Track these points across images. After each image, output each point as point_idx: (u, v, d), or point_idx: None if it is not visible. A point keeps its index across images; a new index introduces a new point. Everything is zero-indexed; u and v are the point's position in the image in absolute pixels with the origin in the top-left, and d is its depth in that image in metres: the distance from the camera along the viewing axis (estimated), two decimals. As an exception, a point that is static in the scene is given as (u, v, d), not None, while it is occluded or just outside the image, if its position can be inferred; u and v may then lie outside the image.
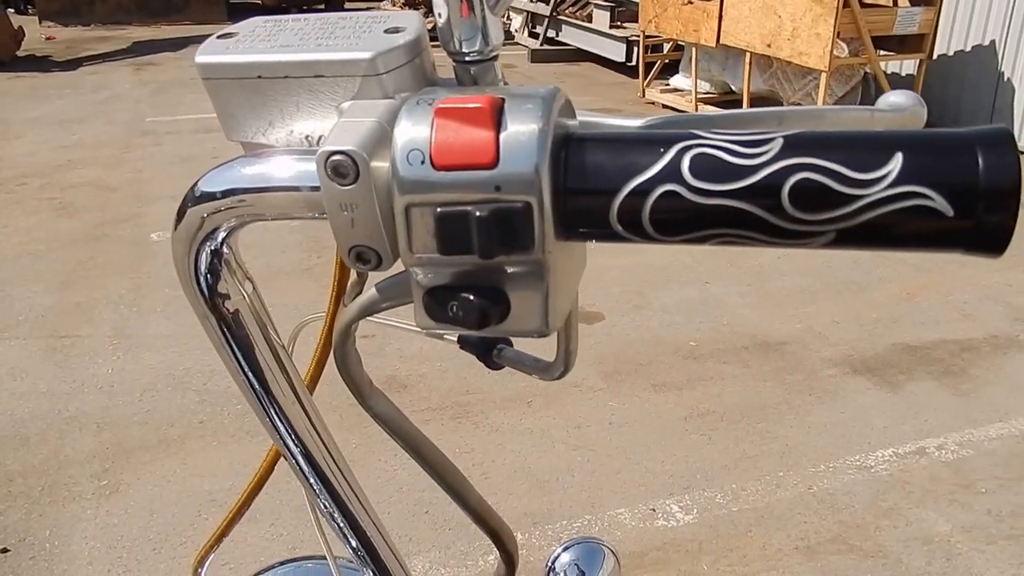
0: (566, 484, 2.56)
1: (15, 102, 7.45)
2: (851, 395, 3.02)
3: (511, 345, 0.56)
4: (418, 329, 0.57)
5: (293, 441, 0.55)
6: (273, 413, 0.53)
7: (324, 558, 1.00)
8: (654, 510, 2.45)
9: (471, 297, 0.35)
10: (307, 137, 0.44)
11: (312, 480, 0.55)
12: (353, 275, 0.57)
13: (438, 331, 0.41)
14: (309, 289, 3.80)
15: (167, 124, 6.67)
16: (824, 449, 2.72)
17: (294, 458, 0.55)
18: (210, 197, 0.41)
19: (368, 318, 0.49)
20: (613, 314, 3.57)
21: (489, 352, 0.52)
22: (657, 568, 2.24)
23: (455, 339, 0.55)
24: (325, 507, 0.58)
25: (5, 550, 2.33)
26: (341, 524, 0.58)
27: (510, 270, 0.34)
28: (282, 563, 1.03)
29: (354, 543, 0.59)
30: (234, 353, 0.50)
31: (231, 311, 0.48)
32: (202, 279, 0.46)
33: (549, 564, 0.89)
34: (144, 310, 3.65)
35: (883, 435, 2.80)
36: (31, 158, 5.78)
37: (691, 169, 0.31)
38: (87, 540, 2.37)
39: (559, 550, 0.89)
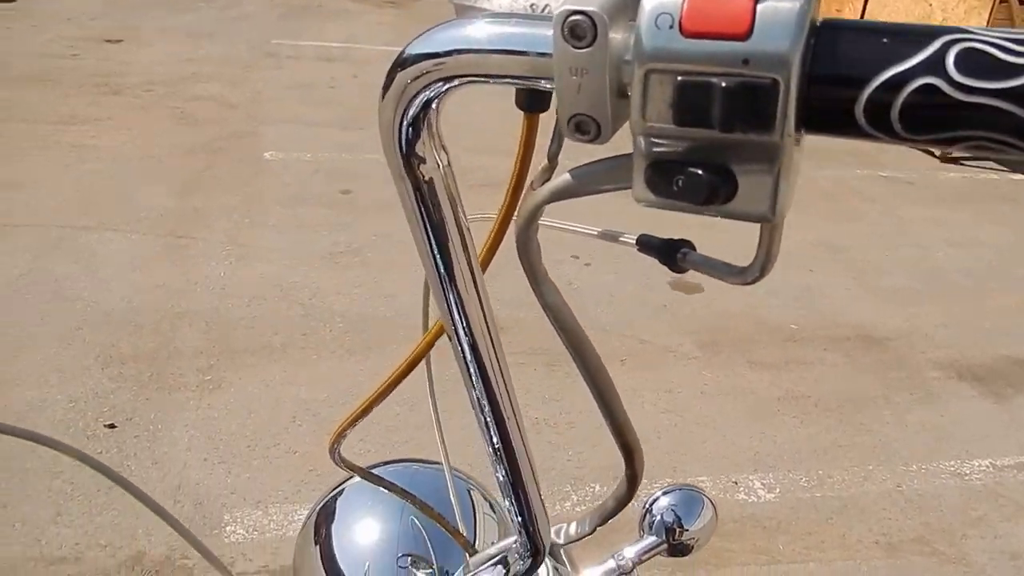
0: (651, 445, 2.56)
1: (150, 11, 7.72)
2: (953, 400, 2.91)
3: (694, 249, 0.54)
4: (592, 232, 0.57)
5: (462, 323, 0.54)
6: (448, 289, 0.52)
7: (431, 462, 1.00)
8: (736, 483, 2.43)
9: (699, 171, 0.34)
10: (531, 5, 0.44)
11: (472, 367, 0.54)
12: (543, 162, 0.56)
13: (656, 206, 0.40)
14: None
15: (290, 48, 6.82)
16: (919, 450, 2.64)
17: (459, 341, 0.54)
18: (428, 56, 0.40)
19: (543, 222, 0.48)
20: (713, 288, 3.51)
21: (673, 255, 0.50)
22: (732, 539, 2.23)
23: (633, 241, 0.53)
24: (478, 397, 0.57)
25: (112, 425, 2.48)
26: (488, 419, 0.57)
27: (742, 150, 0.33)
28: (387, 463, 1.02)
29: (496, 441, 0.58)
30: (423, 221, 0.50)
31: (426, 178, 0.48)
32: (403, 139, 0.46)
33: (647, 506, 0.89)
34: (256, 222, 3.78)
35: (982, 444, 2.69)
36: (159, 67, 6.00)
37: (956, 63, 0.29)
38: (187, 428, 2.50)
39: (659, 493, 0.89)
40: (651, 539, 0.85)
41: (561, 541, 0.69)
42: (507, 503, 0.58)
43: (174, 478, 2.31)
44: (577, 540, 0.65)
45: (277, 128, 5.00)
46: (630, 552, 0.85)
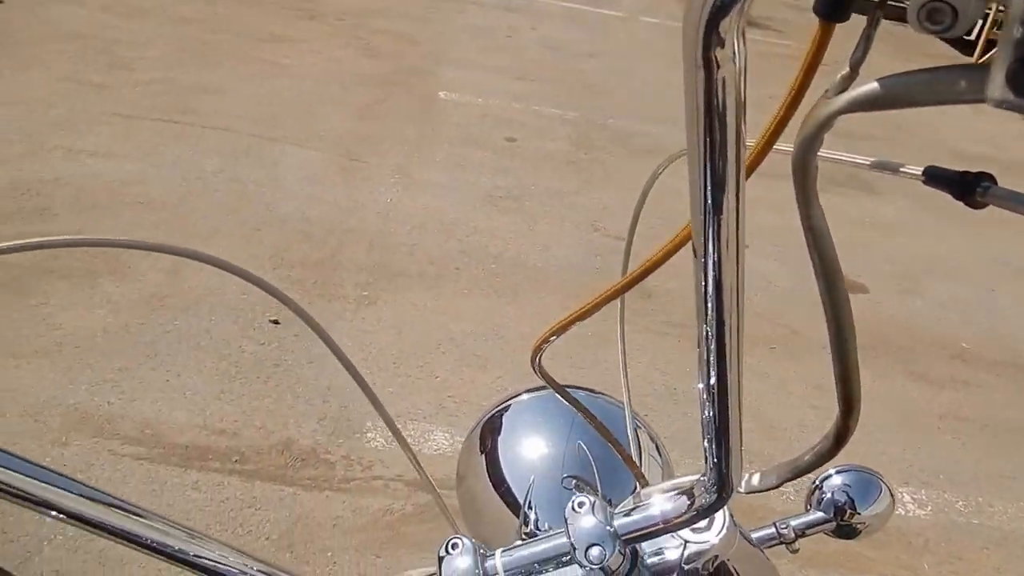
0: (793, 436, 2.46)
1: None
2: None
3: (996, 182, 0.47)
4: (867, 162, 0.52)
5: (713, 239, 0.50)
6: (707, 184, 0.49)
7: (609, 397, 0.99)
8: (881, 493, 2.30)
9: None
10: None
11: (710, 288, 0.50)
12: (844, 69, 0.51)
13: (1013, 105, 0.35)
14: (576, 178, 3.83)
15: (473, -6, 6.92)
16: (1094, 499, 2.41)
17: (705, 255, 0.51)
18: None
19: (824, 153, 0.44)
20: (880, 291, 3.32)
21: (972, 189, 0.44)
22: (874, 547, 2.12)
23: (919, 172, 0.48)
24: (706, 326, 0.53)
25: (276, 322, 2.63)
26: (711, 348, 0.53)
27: None
28: (571, 387, 1.01)
29: (712, 376, 0.54)
30: (707, 114, 0.47)
31: (721, 69, 0.44)
32: (707, 25, 0.42)
33: (817, 482, 0.84)
34: (424, 157, 3.88)
35: None
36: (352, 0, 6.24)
37: None
38: (341, 336, 2.62)
39: (832, 471, 0.84)
40: (818, 515, 0.81)
41: (743, 490, 0.66)
42: (706, 440, 0.55)
43: (325, 379, 2.43)
44: (760, 491, 0.61)
45: (453, 70, 5.09)
46: (795, 522, 0.81)
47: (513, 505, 0.81)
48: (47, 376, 2.26)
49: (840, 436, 0.61)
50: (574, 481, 0.85)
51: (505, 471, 0.88)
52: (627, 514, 0.53)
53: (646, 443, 0.96)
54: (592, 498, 0.53)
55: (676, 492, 0.54)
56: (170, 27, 4.97)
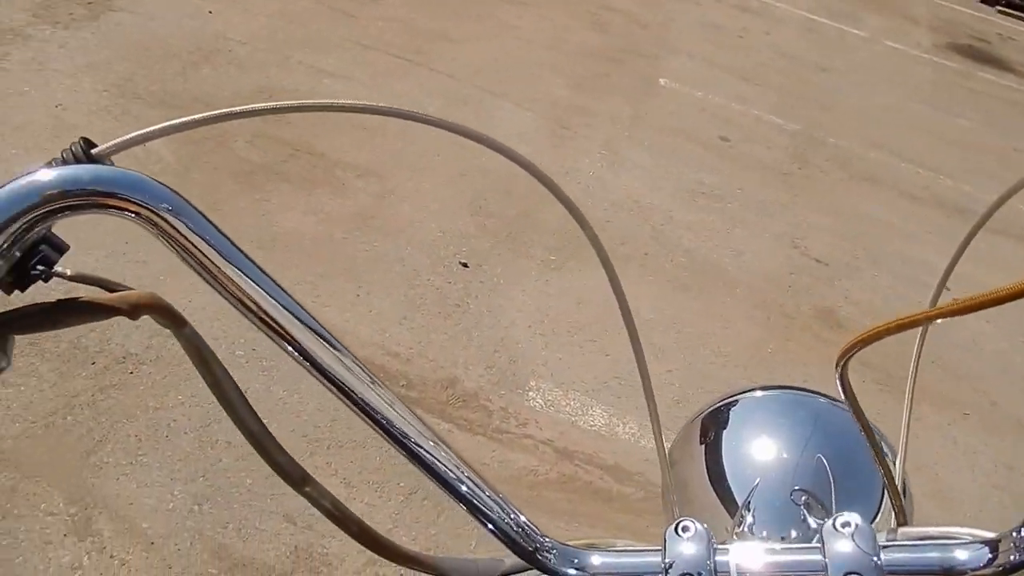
0: (968, 511, 2.25)
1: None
2: None
3: None
4: None
5: None
6: None
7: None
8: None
9: None
10: None
11: None
12: None
13: None
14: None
15: (714, -13, 6.73)
16: None
17: None
18: None
19: None
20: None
21: None
22: None
23: None
24: None
25: (465, 264, 2.70)
26: None
27: None
28: (779, 387, 0.94)
29: None
30: None
31: None
32: None
33: None
34: (634, 138, 3.84)
35: None
36: (589, -27, 6.24)
37: None
38: (523, 294, 2.65)
39: None
40: None
41: None
42: None
43: (500, 330, 2.47)
44: None
45: (677, 59, 4.99)
46: None
47: (728, 501, 0.77)
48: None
49: None
50: (804, 496, 0.78)
51: (727, 466, 0.83)
52: (896, 550, 0.47)
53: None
54: (858, 520, 0.47)
55: (971, 541, 0.47)
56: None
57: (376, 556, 0.52)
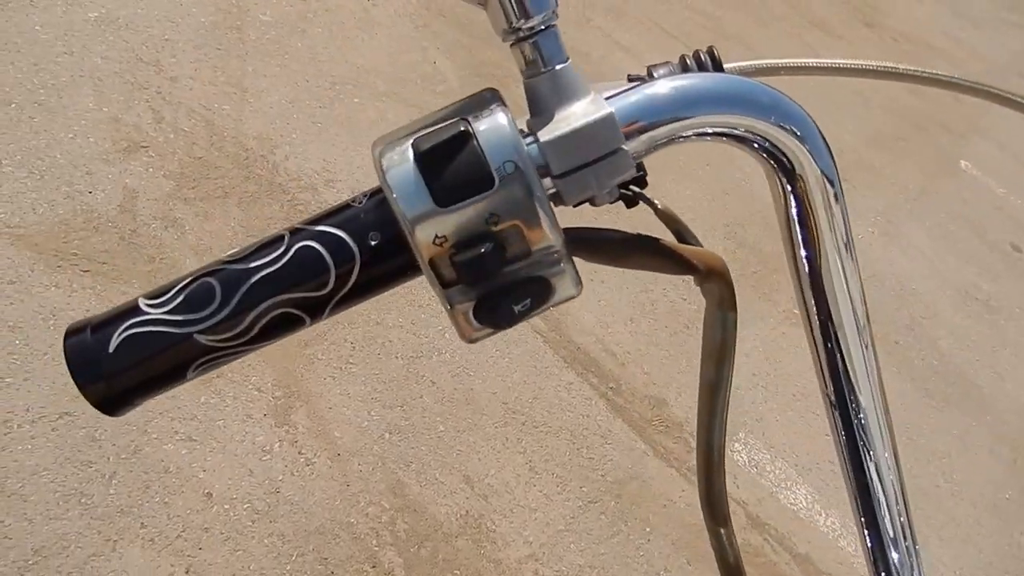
0: None
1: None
2: None
3: None
4: None
5: None
6: None
7: None
8: None
9: None
10: None
11: None
12: None
13: None
14: None
15: None
16: None
17: None
18: None
19: None
20: None
21: None
22: None
23: None
24: None
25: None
26: None
27: None
28: None
29: None
30: None
31: None
32: None
33: None
34: (916, 214, 3.47)
35: None
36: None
37: None
38: (755, 338, 2.43)
39: None
40: None
41: None
42: None
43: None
44: None
45: (987, 142, 4.46)
46: None
47: None
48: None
49: None
50: None
51: None
52: None
53: None
54: None
55: None
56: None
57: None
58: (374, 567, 1.51)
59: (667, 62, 0.41)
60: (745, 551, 1.88)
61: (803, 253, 0.42)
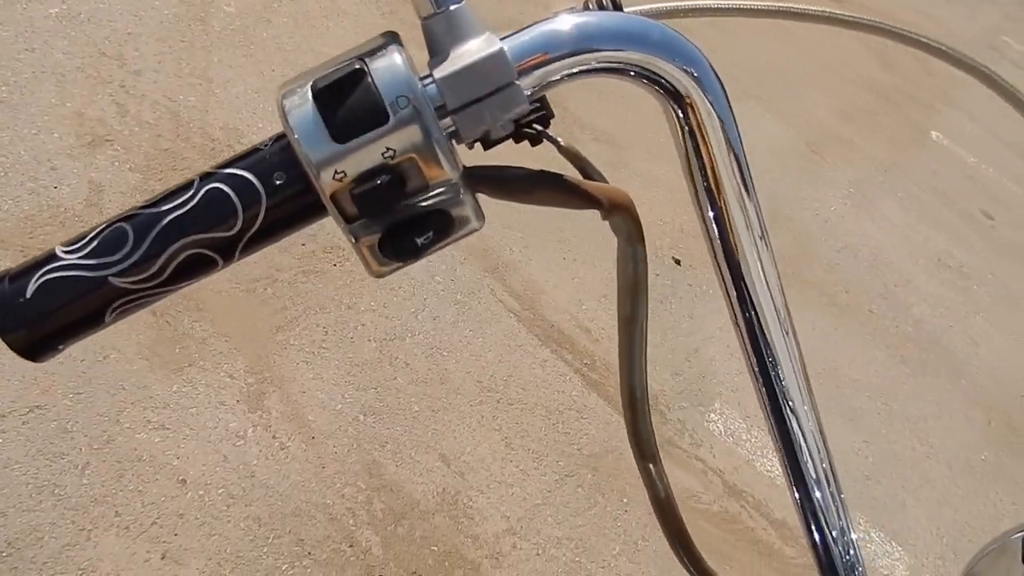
0: None
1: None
2: None
3: None
4: None
5: None
6: None
7: None
8: None
9: None
10: None
11: None
12: None
13: None
14: None
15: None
16: None
17: None
18: None
19: None
20: None
21: None
22: None
23: None
24: None
25: (677, 261, 2.53)
26: None
27: None
28: None
29: None
30: None
31: None
32: None
33: None
34: (886, 186, 3.49)
35: None
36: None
37: None
38: (717, 315, 2.45)
39: None
40: None
41: None
42: None
43: (696, 340, 2.30)
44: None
45: (958, 114, 4.50)
46: None
47: None
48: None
49: None
50: None
51: None
52: None
53: None
54: None
55: None
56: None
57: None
58: (351, 546, 1.52)
59: (571, 7, 0.42)
60: (722, 518, 1.90)
61: (703, 185, 0.43)
